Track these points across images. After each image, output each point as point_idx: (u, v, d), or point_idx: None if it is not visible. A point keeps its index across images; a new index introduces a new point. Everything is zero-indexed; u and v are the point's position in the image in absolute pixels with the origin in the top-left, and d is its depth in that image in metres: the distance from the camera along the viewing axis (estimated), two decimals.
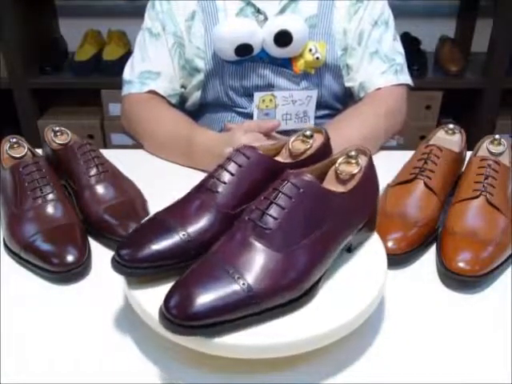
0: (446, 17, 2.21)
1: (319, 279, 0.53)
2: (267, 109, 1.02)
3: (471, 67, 2.07)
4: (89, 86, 1.99)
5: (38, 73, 2.00)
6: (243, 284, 0.48)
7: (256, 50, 0.99)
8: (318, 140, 0.67)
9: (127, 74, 1.08)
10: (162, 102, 1.04)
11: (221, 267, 0.48)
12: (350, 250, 0.60)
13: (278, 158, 0.66)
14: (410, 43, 1.88)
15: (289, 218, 0.50)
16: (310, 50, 0.99)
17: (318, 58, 0.99)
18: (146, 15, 1.09)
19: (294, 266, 0.50)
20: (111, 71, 1.92)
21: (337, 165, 0.61)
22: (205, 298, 0.46)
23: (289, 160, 0.66)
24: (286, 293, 0.49)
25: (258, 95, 1.01)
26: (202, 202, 0.58)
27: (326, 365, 0.55)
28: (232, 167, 0.59)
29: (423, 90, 1.97)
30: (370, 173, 0.60)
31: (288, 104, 1.02)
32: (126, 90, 1.07)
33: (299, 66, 1.01)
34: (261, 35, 0.98)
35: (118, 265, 0.53)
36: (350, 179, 0.60)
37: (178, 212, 0.57)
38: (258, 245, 0.50)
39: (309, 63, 1.00)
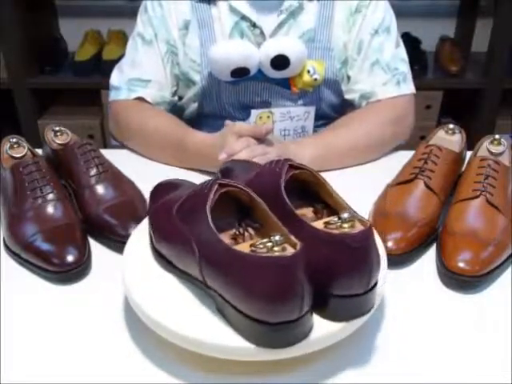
0: (446, 17, 2.21)
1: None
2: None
3: (471, 67, 2.07)
4: (89, 86, 1.99)
5: (38, 73, 2.00)
6: None
7: (252, 71, 0.96)
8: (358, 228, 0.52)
9: (115, 79, 1.05)
10: (149, 106, 1.02)
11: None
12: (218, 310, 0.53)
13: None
14: (410, 43, 1.88)
15: (185, 200, 0.57)
16: (309, 72, 0.96)
17: (316, 79, 0.97)
18: (139, 19, 1.05)
19: (166, 224, 0.58)
20: (111, 71, 1.90)
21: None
22: None
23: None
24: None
25: (255, 113, 0.99)
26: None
27: (327, 365, 0.55)
28: (264, 167, 0.60)
29: (423, 90, 1.96)
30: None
31: (286, 120, 1.00)
32: (114, 96, 1.04)
33: (297, 85, 0.99)
34: (257, 57, 0.95)
35: None
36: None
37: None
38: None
39: (307, 83, 0.98)
